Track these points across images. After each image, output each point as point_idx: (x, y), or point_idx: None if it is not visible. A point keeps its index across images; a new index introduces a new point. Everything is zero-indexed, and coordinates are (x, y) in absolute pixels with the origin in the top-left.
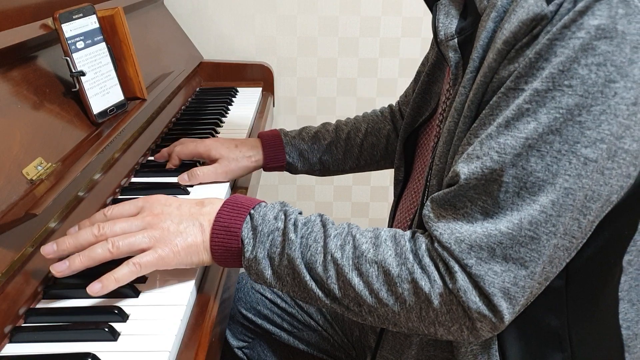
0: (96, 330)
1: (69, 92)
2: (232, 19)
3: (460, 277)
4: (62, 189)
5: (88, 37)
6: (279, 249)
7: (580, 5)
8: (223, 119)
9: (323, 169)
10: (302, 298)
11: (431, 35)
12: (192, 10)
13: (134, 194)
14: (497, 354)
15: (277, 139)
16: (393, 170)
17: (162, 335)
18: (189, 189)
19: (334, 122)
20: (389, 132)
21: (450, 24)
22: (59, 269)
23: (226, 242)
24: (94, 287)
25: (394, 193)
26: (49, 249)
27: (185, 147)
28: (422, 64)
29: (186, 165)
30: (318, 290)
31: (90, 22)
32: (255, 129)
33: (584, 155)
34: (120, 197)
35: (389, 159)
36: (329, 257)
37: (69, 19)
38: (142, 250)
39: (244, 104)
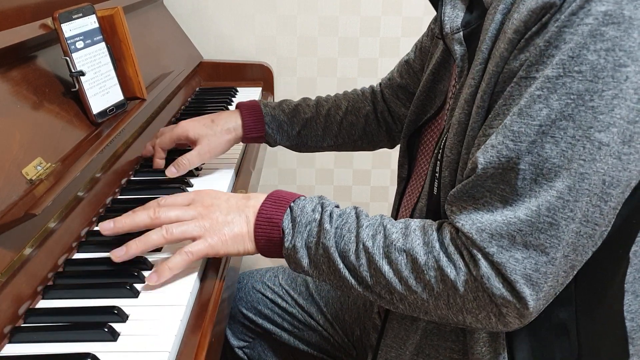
0: (96, 331)
1: (69, 92)
2: (232, 19)
3: (484, 264)
4: (62, 189)
5: (88, 37)
6: (315, 239)
7: None
8: None
9: (301, 144)
10: (339, 287)
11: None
12: (192, 10)
13: (134, 193)
14: (504, 342)
15: (257, 109)
16: (392, 170)
17: (162, 335)
18: (192, 180)
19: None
20: (368, 113)
21: (456, 17)
22: (118, 254)
23: (268, 233)
24: (152, 278)
25: (397, 190)
26: (106, 226)
27: (164, 136)
28: (413, 50)
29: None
30: (351, 278)
31: (89, 22)
32: None
33: (597, 140)
34: (120, 197)
35: (366, 139)
36: (361, 246)
37: (69, 18)
38: (193, 238)
39: None
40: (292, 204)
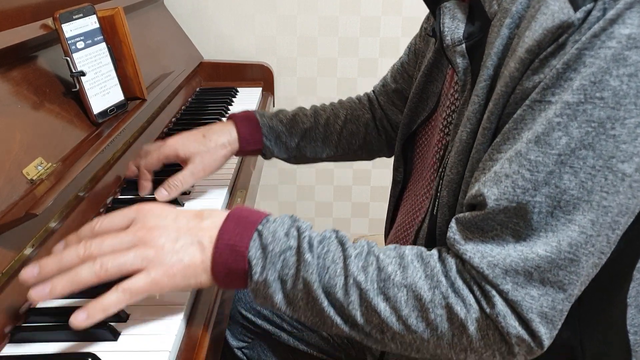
0: (96, 330)
1: (69, 92)
2: (232, 19)
3: (499, 301)
4: (62, 189)
5: (88, 37)
6: (292, 271)
7: (610, 14)
8: (223, 119)
9: (299, 155)
10: (314, 324)
11: None
12: (192, 10)
13: (134, 193)
14: None
15: (253, 120)
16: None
17: (162, 335)
18: (189, 189)
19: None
20: (367, 121)
21: (457, 28)
22: (39, 295)
23: (230, 263)
24: (78, 318)
25: (391, 193)
26: (29, 274)
27: (150, 156)
28: (406, 53)
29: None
30: (336, 316)
31: (90, 22)
32: None
33: (621, 171)
34: (120, 197)
35: (366, 148)
36: (351, 280)
37: (69, 19)
38: (133, 272)
39: (244, 104)
40: (259, 227)
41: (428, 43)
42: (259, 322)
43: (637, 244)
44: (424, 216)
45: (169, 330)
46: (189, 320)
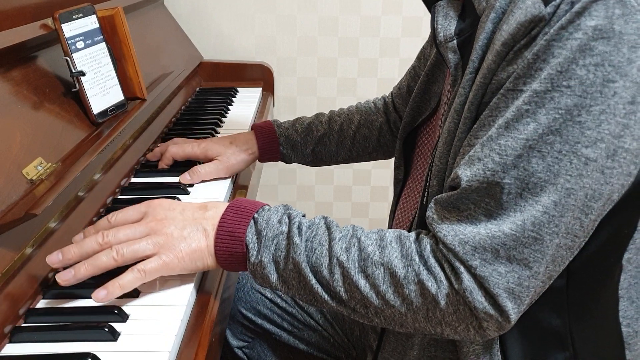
0: (96, 330)
1: (69, 92)
2: (232, 18)
3: (466, 277)
4: (62, 189)
5: (88, 37)
6: (283, 253)
7: (577, 7)
8: (223, 119)
9: (316, 159)
10: (308, 301)
11: None
12: (192, 10)
13: (134, 193)
14: (499, 353)
15: (271, 131)
16: (392, 170)
17: (162, 335)
18: (189, 188)
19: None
20: (381, 124)
21: (449, 25)
22: (65, 278)
23: (231, 247)
24: (99, 294)
25: (394, 192)
26: (54, 258)
27: (181, 148)
28: (418, 57)
29: (179, 164)
30: (324, 293)
31: (90, 22)
32: None
33: (584, 155)
34: (120, 197)
35: (380, 150)
36: (335, 260)
37: (69, 19)
38: (147, 257)
39: (244, 104)
40: (255, 215)
41: (432, 45)
42: (259, 321)
43: (621, 235)
44: (416, 210)
45: (169, 330)
46: (189, 321)
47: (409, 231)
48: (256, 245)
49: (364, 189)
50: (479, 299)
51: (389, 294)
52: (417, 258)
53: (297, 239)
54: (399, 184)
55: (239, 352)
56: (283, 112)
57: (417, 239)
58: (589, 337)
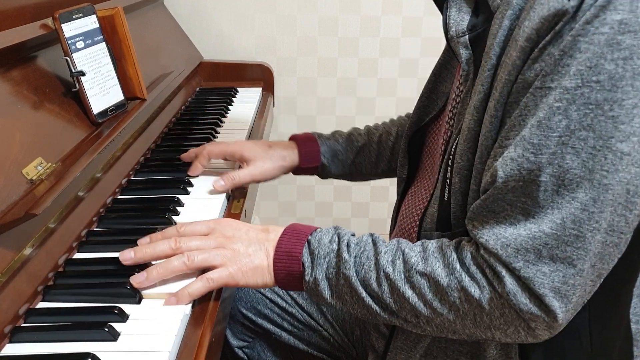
0: (96, 330)
1: (69, 92)
2: (232, 18)
3: (509, 280)
4: (62, 189)
5: (88, 37)
6: (335, 270)
7: (601, 0)
8: (223, 119)
9: (355, 172)
10: (364, 315)
11: (431, 35)
12: (192, 10)
13: (134, 193)
14: (517, 346)
15: (312, 140)
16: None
17: (162, 335)
18: (189, 188)
19: (348, 127)
20: None
21: (462, 20)
22: (138, 280)
23: (288, 267)
24: (171, 301)
25: (397, 191)
26: (127, 256)
27: (218, 146)
28: None
29: (179, 164)
30: (376, 305)
31: (90, 22)
32: (255, 129)
33: (619, 150)
34: (120, 197)
35: None
36: (382, 273)
37: (69, 18)
38: (213, 267)
39: (244, 104)
40: (309, 237)
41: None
42: (260, 321)
43: None
44: (426, 205)
45: (169, 330)
46: (189, 320)
47: (419, 229)
48: (310, 264)
49: (364, 189)
50: (523, 301)
51: (435, 303)
52: (458, 266)
53: (346, 255)
54: (402, 183)
55: (239, 352)
56: (283, 112)
57: (458, 248)
58: (605, 334)
